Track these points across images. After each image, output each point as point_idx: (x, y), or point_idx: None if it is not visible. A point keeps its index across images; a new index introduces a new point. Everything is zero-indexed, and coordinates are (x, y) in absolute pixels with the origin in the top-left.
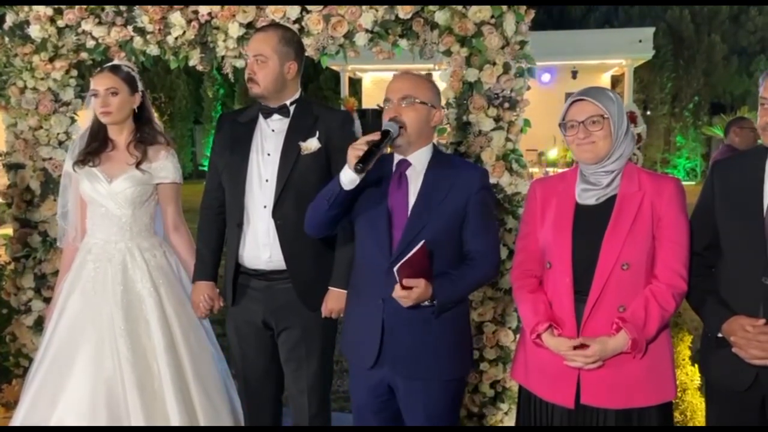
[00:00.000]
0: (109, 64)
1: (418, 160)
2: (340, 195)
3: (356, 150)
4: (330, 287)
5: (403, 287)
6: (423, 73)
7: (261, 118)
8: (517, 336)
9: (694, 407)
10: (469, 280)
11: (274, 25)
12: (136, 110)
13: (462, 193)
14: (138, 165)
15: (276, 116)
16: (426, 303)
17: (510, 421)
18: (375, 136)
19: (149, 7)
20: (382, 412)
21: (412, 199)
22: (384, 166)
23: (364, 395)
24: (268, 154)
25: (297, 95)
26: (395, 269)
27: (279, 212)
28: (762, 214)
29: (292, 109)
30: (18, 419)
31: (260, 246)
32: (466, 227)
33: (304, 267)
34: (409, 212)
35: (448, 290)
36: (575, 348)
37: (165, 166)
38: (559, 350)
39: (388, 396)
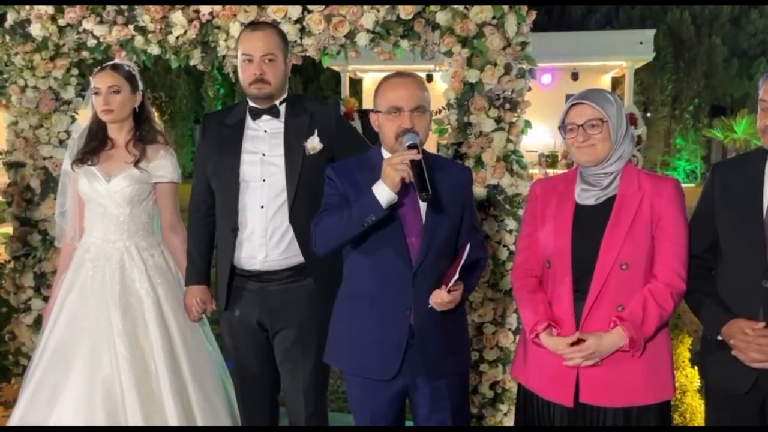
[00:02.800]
0: (111, 62)
1: None
2: (380, 217)
3: (398, 171)
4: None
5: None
6: (423, 74)
7: (249, 119)
8: (517, 337)
9: (694, 409)
10: (478, 273)
11: (266, 23)
12: (136, 109)
13: (460, 192)
14: (136, 163)
15: (265, 117)
16: None
17: (509, 423)
18: (415, 155)
19: (150, 6)
20: (396, 420)
21: (422, 205)
22: (375, 172)
23: (384, 407)
24: (263, 155)
25: (286, 94)
26: (454, 281)
27: (294, 216)
28: (762, 216)
29: (282, 108)
30: (15, 418)
31: (256, 246)
32: (464, 223)
33: (324, 266)
34: (423, 218)
35: (470, 285)
36: (572, 344)
37: (163, 165)
38: (557, 350)
39: (402, 403)
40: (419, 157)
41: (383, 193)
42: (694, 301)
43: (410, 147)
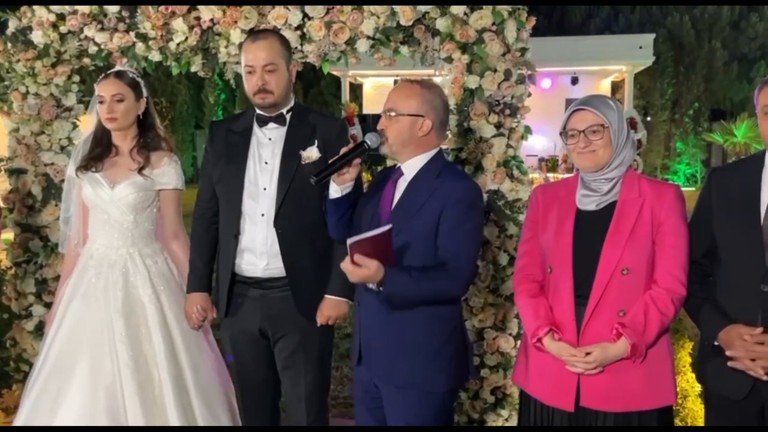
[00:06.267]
0: (114, 69)
1: (409, 168)
2: (327, 203)
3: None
4: (325, 294)
5: (353, 263)
6: (424, 78)
7: (256, 127)
8: (518, 342)
9: (695, 414)
10: (428, 285)
11: (267, 31)
12: (141, 116)
13: (439, 204)
14: (140, 171)
15: (272, 125)
16: (372, 287)
17: None
18: (346, 148)
19: (152, 12)
20: (376, 409)
21: (394, 204)
22: (388, 172)
23: (359, 389)
24: (266, 163)
25: (292, 103)
26: (348, 243)
27: (280, 222)
28: (760, 220)
29: (288, 117)
30: (18, 425)
31: (257, 254)
32: (438, 237)
33: (304, 276)
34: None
35: (399, 283)
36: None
37: (167, 172)
38: (560, 355)
39: (379, 393)
40: (345, 150)
41: (330, 183)
42: (692, 306)
43: (358, 143)
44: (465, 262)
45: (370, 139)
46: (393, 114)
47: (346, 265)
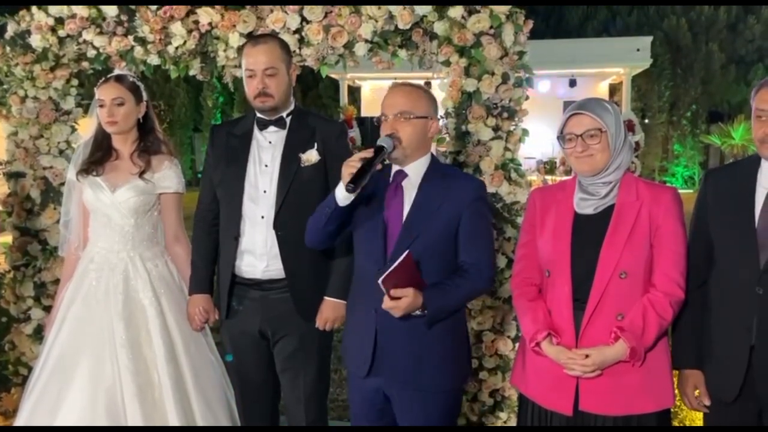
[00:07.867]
0: (114, 73)
1: (415, 171)
2: (335, 211)
3: (350, 167)
4: (325, 297)
5: (392, 298)
6: (421, 81)
7: (256, 130)
8: (516, 345)
9: (693, 416)
10: (461, 291)
11: (268, 35)
12: (141, 119)
13: (455, 204)
14: (141, 174)
15: (272, 128)
16: (417, 312)
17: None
18: (368, 153)
19: (150, 16)
20: (379, 421)
21: (406, 210)
22: (382, 176)
23: (360, 403)
24: (266, 165)
25: (292, 106)
26: (380, 281)
27: (279, 224)
28: (754, 222)
29: (288, 120)
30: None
31: (257, 256)
32: (459, 238)
33: (303, 278)
34: (402, 223)
35: (439, 300)
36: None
37: (168, 175)
38: (558, 359)
39: (384, 404)
40: (370, 155)
41: (339, 190)
42: (680, 327)
43: (376, 147)
44: (488, 257)
45: (387, 143)
46: (411, 116)
47: (387, 303)
